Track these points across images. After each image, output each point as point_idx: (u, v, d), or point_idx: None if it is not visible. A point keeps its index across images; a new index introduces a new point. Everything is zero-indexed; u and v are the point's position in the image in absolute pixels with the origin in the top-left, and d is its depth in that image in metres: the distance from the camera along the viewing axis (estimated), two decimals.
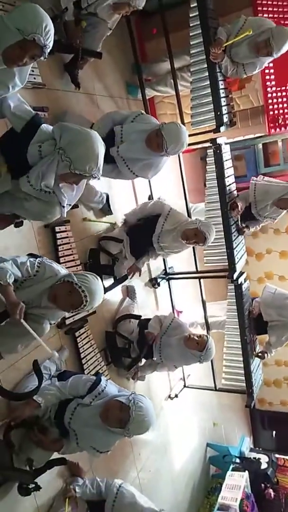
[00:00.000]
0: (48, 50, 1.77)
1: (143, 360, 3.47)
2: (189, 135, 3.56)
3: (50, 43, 1.75)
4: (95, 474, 2.98)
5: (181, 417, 4.52)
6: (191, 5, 3.27)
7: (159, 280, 4.12)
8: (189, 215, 3.85)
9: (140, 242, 3.21)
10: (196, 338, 3.16)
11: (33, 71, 2.65)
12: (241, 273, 3.83)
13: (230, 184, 3.65)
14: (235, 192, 3.72)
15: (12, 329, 1.92)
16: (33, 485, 2.21)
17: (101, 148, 1.92)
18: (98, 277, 2.09)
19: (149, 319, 3.39)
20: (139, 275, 3.43)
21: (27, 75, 1.92)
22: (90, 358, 3.06)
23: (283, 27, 3.11)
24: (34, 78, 2.67)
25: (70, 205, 2.13)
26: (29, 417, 2.22)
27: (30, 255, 2.15)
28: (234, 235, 3.68)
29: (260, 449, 6.09)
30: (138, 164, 2.85)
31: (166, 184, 4.15)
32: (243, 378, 3.86)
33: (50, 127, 1.94)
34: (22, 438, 2.29)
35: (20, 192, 1.94)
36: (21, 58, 1.73)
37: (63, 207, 2.02)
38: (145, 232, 3.20)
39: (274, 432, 6.55)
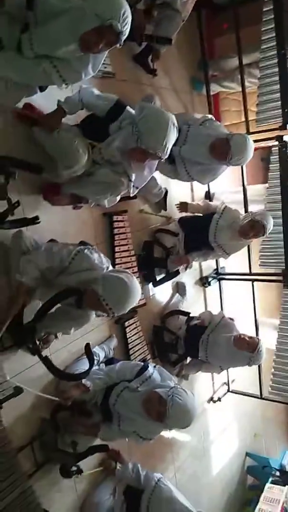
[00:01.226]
0: (124, 37, 1.78)
1: (189, 358, 3.42)
2: (253, 132, 3.52)
3: (126, 30, 1.77)
4: None
5: (222, 422, 4.41)
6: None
7: (209, 279, 4.05)
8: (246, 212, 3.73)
9: (195, 238, 3.16)
10: (247, 339, 3.04)
11: (104, 59, 2.67)
12: None
13: None
14: None
15: (64, 314, 1.96)
16: (75, 468, 2.23)
17: (172, 131, 1.96)
18: (131, 279, 1.90)
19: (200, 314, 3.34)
20: (188, 268, 3.36)
21: (100, 64, 1.94)
22: (137, 349, 3.05)
23: None
24: (105, 67, 2.71)
25: (137, 187, 2.16)
26: (77, 400, 2.24)
27: (81, 243, 2.11)
28: None
29: None
30: (196, 167, 2.84)
31: (225, 183, 4.06)
32: None
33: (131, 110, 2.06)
34: (69, 420, 2.31)
35: (91, 166, 2.03)
36: (97, 44, 1.75)
37: (131, 181, 2.09)
38: (200, 228, 3.14)
39: None
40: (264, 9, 3.23)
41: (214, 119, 2.89)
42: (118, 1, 1.73)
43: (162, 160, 2.18)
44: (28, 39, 1.72)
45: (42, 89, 2.13)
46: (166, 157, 2.07)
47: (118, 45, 1.83)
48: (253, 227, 2.94)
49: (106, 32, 1.72)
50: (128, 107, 2.08)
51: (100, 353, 2.56)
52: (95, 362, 2.50)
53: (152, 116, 2.02)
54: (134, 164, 2.12)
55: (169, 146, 2.04)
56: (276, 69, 3.23)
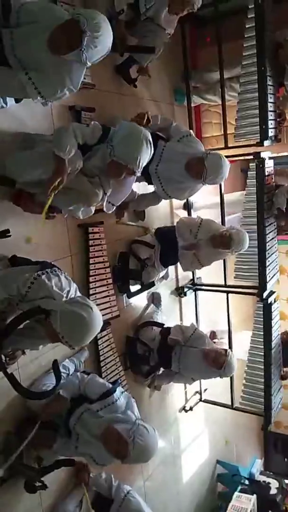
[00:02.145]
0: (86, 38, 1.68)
1: (161, 369, 3.43)
2: (232, 147, 3.55)
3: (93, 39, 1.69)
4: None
5: (193, 431, 4.44)
6: (248, 16, 3.21)
7: (185, 289, 4.06)
8: (224, 224, 3.77)
9: (170, 250, 3.16)
10: (214, 355, 3.05)
11: None
12: (271, 292, 3.72)
13: (269, 200, 3.55)
14: None
15: (32, 331, 1.93)
16: (40, 484, 2.21)
17: (144, 145, 2.02)
18: (90, 313, 1.78)
19: (171, 328, 3.34)
20: (164, 279, 3.34)
21: (80, 80, 1.90)
22: (109, 361, 3.04)
23: None
24: (85, 78, 2.64)
25: (113, 205, 2.20)
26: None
27: (42, 264, 1.96)
28: (268, 253, 3.58)
29: (271, 473, 5.90)
30: (173, 185, 2.84)
31: (203, 193, 4.08)
32: (262, 399, 3.76)
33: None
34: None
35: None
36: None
37: (105, 194, 2.14)
38: (176, 241, 3.15)
39: (286, 458, 6.34)
40: (247, 26, 3.25)
41: (192, 135, 2.89)
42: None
43: (138, 174, 2.18)
44: (9, 32, 1.70)
45: (17, 100, 2.11)
46: (140, 171, 2.11)
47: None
48: (221, 238, 3.02)
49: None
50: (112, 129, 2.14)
51: (70, 366, 2.54)
52: (65, 375, 2.49)
53: (125, 129, 2.07)
54: (112, 181, 2.14)
55: (142, 160, 2.06)
56: (256, 86, 3.25)
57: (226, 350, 3.10)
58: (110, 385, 2.30)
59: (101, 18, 1.72)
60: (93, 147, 2.09)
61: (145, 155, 2.08)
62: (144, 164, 2.13)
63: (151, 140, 2.11)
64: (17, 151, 2.18)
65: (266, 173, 3.39)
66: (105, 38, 1.73)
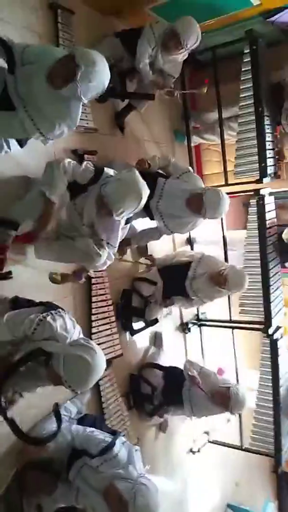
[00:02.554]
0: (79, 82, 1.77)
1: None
2: (232, 184, 3.61)
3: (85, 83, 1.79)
4: None
5: (201, 473, 4.27)
6: (244, 60, 3.35)
7: (190, 325, 4.03)
8: (227, 260, 3.78)
9: (173, 287, 3.16)
10: (219, 399, 3.02)
11: (86, 116, 2.77)
12: (277, 328, 3.67)
13: (272, 235, 3.58)
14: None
15: (32, 373, 1.90)
16: None
17: (134, 198, 2.07)
18: (94, 356, 1.78)
19: (175, 367, 3.28)
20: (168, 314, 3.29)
21: (78, 116, 1.97)
22: (111, 402, 2.98)
23: None
24: (87, 123, 2.79)
25: (114, 246, 2.26)
26: (43, 460, 2.16)
27: (47, 305, 1.99)
28: (273, 288, 3.56)
29: None
30: (174, 220, 2.90)
31: (206, 227, 4.11)
32: (273, 440, 3.63)
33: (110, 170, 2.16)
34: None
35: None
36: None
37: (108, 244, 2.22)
38: (179, 277, 3.16)
39: None
40: (243, 69, 3.38)
41: (191, 171, 2.97)
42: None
43: (117, 219, 2.20)
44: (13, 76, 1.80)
45: (21, 144, 2.19)
46: (119, 219, 2.16)
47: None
48: (220, 276, 3.01)
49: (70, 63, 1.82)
50: (105, 169, 2.18)
51: (72, 408, 2.50)
52: (67, 418, 2.45)
53: (119, 177, 2.13)
54: (103, 218, 2.17)
55: (126, 212, 2.10)
56: (254, 125, 3.35)
57: (229, 389, 3.02)
58: (109, 439, 2.20)
59: (97, 55, 1.81)
60: (87, 187, 2.14)
61: (131, 208, 2.10)
62: (127, 215, 2.15)
63: (143, 195, 2.12)
64: (18, 198, 2.24)
65: (267, 210, 3.42)
66: (100, 74, 1.80)
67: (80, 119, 2.67)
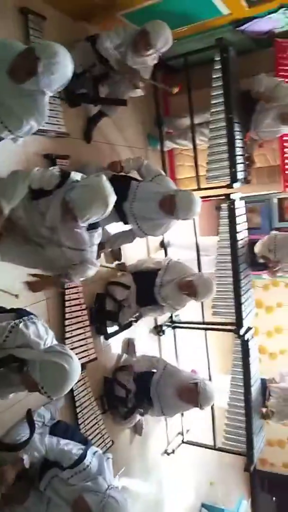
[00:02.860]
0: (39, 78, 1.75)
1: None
2: (204, 189, 3.68)
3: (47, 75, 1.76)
4: None
5: (176, 474, 4.32)
6: (215, 67, 3.42)
7: (164, 327, 4.07)
8: (200, 265, 3.84)
9: (144, 292, 3.19)
10: (186, 395, 3.08)
11: (58, 121, 2.78)
12: (248, 329, 3.76)
13: (243, 238, 3.66)
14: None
15: (3, 380, 1.88)
16: None
17: (100, 205, 2.01)
18: (70, 362, 1.77)
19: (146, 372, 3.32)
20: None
21: (45, 111, 1.93)
22: (85, 406, 2.99)
23: None
24: (59, 128, 2.78)
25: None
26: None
27: (18, 312, 1.94)
28: (243, 290, 3.65)
29: None
30: (148, 223, 2.93)
31: (179, 230, 4.17)
32: (245, 439, 3.71)
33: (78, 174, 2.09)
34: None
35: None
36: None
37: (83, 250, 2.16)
38: (148, 284, 3.20)
39: (273, 497, 6.20)
40: (214, 76, 3.45)
41: (163, 174, 3.02)
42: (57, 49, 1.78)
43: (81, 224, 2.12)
44: None
45: None
46: (83, 225, 2.09)
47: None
48: (188, 287, 3.07)
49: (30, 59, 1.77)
50: (72, 174, 2.11)
51: (45, 414, 2.49)
52: (40, 424, 2.44)
53: (85, 183, 2.06)
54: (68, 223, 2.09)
55: (91, 218, 2.03)
56: (225, 131, 3.42)
57: (197, 385, 3.07)
58: (81, 451, 2.18)
59: (58, 47, 1.77)
60: (52, 192, 2.07)
61: (97, 215, 2.03)
62: (91, 221, 2.07)
63: (110, 201, 2.06)
64: None
65: (238, 213, 3.51)
66: (63, 66, 1.77)
67: (52, 123, 2.74)
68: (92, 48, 2.87)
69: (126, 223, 3.07)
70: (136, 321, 3.36)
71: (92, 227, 2.18)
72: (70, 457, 2.14)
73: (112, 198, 2.05)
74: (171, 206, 2.80)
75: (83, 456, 2.14)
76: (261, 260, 3.57)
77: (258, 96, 3.39)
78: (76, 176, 2.12)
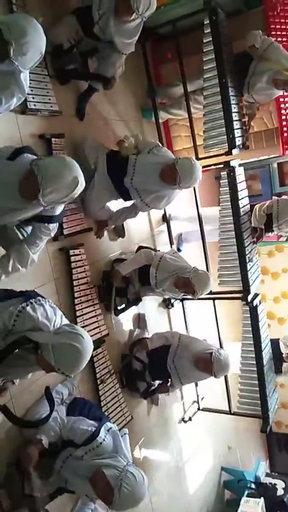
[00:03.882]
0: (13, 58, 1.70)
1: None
2: (202, 158, 3.64)
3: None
4: None
5: (195, 441, 4.44)
6: (205, 31, 3.33)
7: (172, 300, 4.10)
8: (203, 238, 3.84)
9: (144, 275, 3.17)
10: (202, 365, 3.12)
11: (49, 99, 2.73)
12: (256, 295, 3.78)
13: (244, 206, 3.64)
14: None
15: (21, 360, 1.91)
16: None
17: (70, 180, 1.80)
18: (83, 341, 1.77)
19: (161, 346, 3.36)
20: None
21: (27, 85, 1.89)
22: (106, 379, 3.06)
23: None
24: (51, 106, 2.74)
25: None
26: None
27: (25, 294, 1.91)
28: (249, 257, 3.65)
29: (277, 474, 5.92)
30: (151, 195, 2.91)
31: (180, 203, 4.16)
32: (259, 402, 3.79)
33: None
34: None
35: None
36: None
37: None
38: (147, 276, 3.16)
39: None
40: (204, 40, 3.36)
41: (160, 145, 2.97)
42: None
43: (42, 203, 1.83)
44: None
45: None
46: (45, 204, 1.82)
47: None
48: (185, 286, 3.04)
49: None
50: (25, 154, 1.88)
51: (63, 390, 2.55)
52: (59, 401, 2.49)
53: (53, 163, 1.81)
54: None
55: (53, 196, 1.79)
56: (219, 97, 3.35)
57: (211, 354, 3.10)
58: (94, 428, 2.21)
59: (26, 23, 1.70)
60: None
61: (60, 193, 1.80)
62: (52, 199, 1.81)
63: (79, 185, 1.84)
64: None
65: (238, 181, 3.47)
66: (34, 43, 1.71)
67: (44, 102, 2.71)
68: (77, 22, 2.80)
69: (126, 199, 3.05)
70: (134, 303, 3.34)
71: (48, 220, 1.97)
72: (82, 434, 2.16)
73: (82, 181, 1.86)
74: (173, 175, 2.76)
75: (96, 433, 2.16)
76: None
77: (252, 51, 3.30)
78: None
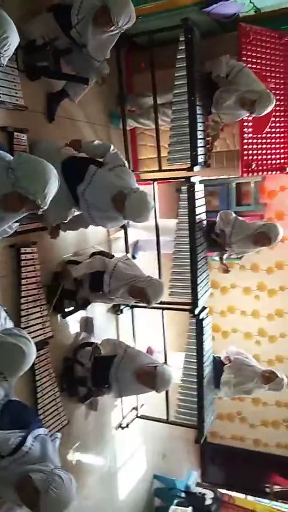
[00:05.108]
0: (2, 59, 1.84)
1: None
2: (165, 170, 3.70)
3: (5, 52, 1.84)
4: None
5: (130, 447, 4.47)
6: (179, 47, 3.40)
7: (122, 307, 4.12)
8: (159, 248, 3.89)
9: (97, 283, 3.16)
10: (145, 378, 3.13)
11: (16, 93, 2.68)
12: (203, 308, 3.89)
13: (201, 221, 3.74)
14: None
15: None
16: None
17: (53, 181, 1.89)
18: (28, 344, 1.80)
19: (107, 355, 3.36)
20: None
21: None
22: (44, 382, 3.02)
23: (269, 92, 3.34)
24: (17, 100, 2.69)
25: None
26: None
27: None
28: (200, 271, 3.75)
29: (208, 484, 6.07)
30: (99, 213, 2.79)
31: None
32: (196, 412, 3.88)
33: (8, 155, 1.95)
34: None
35: None
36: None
37: None
38: (99, 283, 3.16)
39: (223, 467, 6.55)
40: (178, 57, 3.44)
41: (126, 166, 2.87)
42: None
43: (40, 212, 1.96)
44: None
45: None
46: (44, 208, 1.91)
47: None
48: (140, 294, 3.06)
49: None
50: None
51: None
52: None
53: (30, 163, 1.88)
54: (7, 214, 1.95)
55: (49, 196, 1.89)
56: (187, 113, 3.43)
57: (155, 368, 3.14)
58: (19, 439, 2.08)
59: (50, 188, 1.82)
60: None
61: (53, 192, 1.91)
62: (49, 199, 1.91)
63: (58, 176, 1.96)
64: None
65: (197, 196, 3.57)
66: (11, 39, 1.84)
67: (10, 95, 2.65)
68: (54, 20, 2.77)
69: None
70: (83, 306, 3.32)
71: None
72: (9, 443, 2.06)
73: (54, 186, 1.92)
74: (121, 205, 2.65)
75: (22, 443, 2.07)
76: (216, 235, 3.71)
77: (217, 81, 3.41)
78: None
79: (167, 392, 4.14)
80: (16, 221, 2.07)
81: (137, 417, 4.40)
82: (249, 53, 3.78)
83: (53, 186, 1.90)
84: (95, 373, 3.25)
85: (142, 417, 4.42)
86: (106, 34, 2.73)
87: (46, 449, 2.11)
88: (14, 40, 1.85)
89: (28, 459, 2.03)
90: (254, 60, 3.81)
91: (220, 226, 3.71)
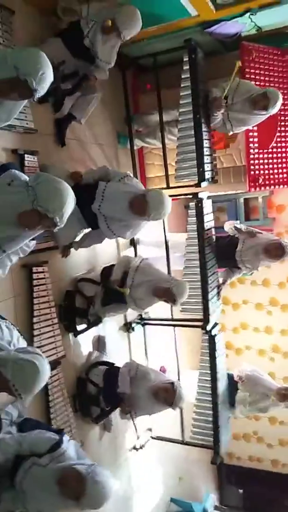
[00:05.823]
0: (38, 95, 1.86)
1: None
2: (173, 187, 3.74)
3: (41, 90, 1.85)
4: None
5: (145, 469, 4.36)
6: (184, 67, 3.47)
7: (133, 324, 4.10)
8: (169, 265, 3.88)
9: (113, 291, 3.15)
10: (163, 395, 3.09)
11: (26, 116, 2.75)
12: (215, 324, 3.85)
13: (210, 237, 3.75)
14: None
15: None
16: None
17: (69, 199, 1.91)
18: (42, 361, 1.82)
19: (118, 367, 3.32)
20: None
21: (16, 112, 2.03)
22: (57, 402, 2.98)
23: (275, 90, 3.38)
24: (27, 124, 2.75)
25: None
26: None
27: None
28: (211, 287, 3.73)
29: (225, 507, 5.88)
30: (118, 223, 2.87)
31: (148, 228, 4.19)
32: (211, 432, 3.79)
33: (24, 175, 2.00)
34: None
35: None
36: (6, 94, 1.82)
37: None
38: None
39: (241, 490, 6.36)
40: (182, 76, 3.51)
41: (131, 175, 2.97)
42: (40, 60, 1.81)
43: (55, 230, 1.97)
44: None
45: None
46: (61, 226, 1.92)
47: (32, 100, 1.90)
48: (165, 294, 3.08)
49: (20, 85, 1.80)
50: (13, 170, 2.00)
51: (13, 412, 2.45)
52: (8, 422, 2.40)
53: (52, 181, 1.91)
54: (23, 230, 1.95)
55: (66, 215, 1.91)
56: (193, 131, 3.48)
57: (173, 384, 3.11)
58: (57, 437, 2.16)
59: (47, 70, 1.82)
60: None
61: (69, 211, 1.94)
62: (66, 217, 1.95)
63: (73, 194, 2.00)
64: None
65: (205, 212, 3.58)
66: (48, 75, 1.86)
67: (20, 119, 2.71)
68: (63, 44, 2.87)
69: (94, 228, 3.01)
70: (95, 324, 3.32)
71: None
72: (46, 442, 2.13)
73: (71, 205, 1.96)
74: (143, 206, 2.73)
75: (60, 441, 2.13)
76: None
77: (213, 101, 3.43)
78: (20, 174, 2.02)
79: (181, 412, 4.07)
80: (33, 239, 2.08)
81: (152, 438, 4.31)
82: (252, 71, 3.85)
83: (71, 205, 1.93)
84: (107, 391, 3.21)
85: (157, 438, 4.33)
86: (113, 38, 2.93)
87: (80, 451, 2.19)
88: (50, 76, 1.87)
89: (65, 458, 2.09)
90: (257, 77, 3.89)
91: None
